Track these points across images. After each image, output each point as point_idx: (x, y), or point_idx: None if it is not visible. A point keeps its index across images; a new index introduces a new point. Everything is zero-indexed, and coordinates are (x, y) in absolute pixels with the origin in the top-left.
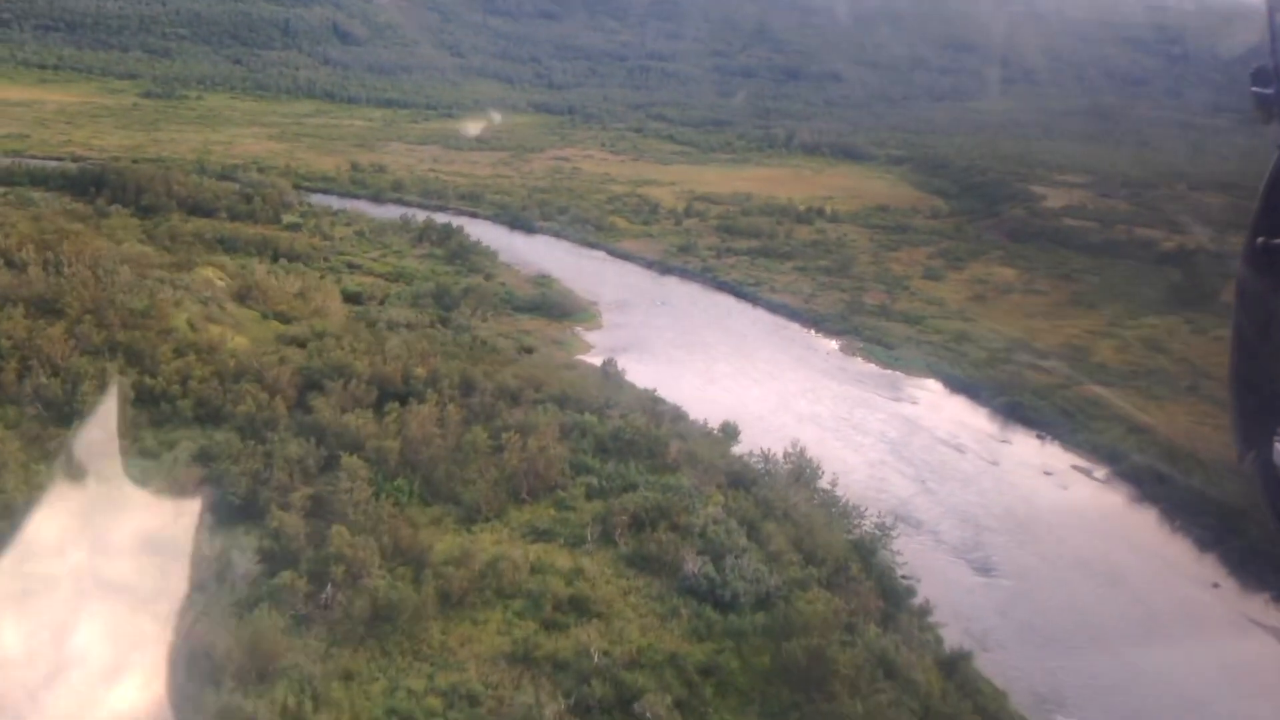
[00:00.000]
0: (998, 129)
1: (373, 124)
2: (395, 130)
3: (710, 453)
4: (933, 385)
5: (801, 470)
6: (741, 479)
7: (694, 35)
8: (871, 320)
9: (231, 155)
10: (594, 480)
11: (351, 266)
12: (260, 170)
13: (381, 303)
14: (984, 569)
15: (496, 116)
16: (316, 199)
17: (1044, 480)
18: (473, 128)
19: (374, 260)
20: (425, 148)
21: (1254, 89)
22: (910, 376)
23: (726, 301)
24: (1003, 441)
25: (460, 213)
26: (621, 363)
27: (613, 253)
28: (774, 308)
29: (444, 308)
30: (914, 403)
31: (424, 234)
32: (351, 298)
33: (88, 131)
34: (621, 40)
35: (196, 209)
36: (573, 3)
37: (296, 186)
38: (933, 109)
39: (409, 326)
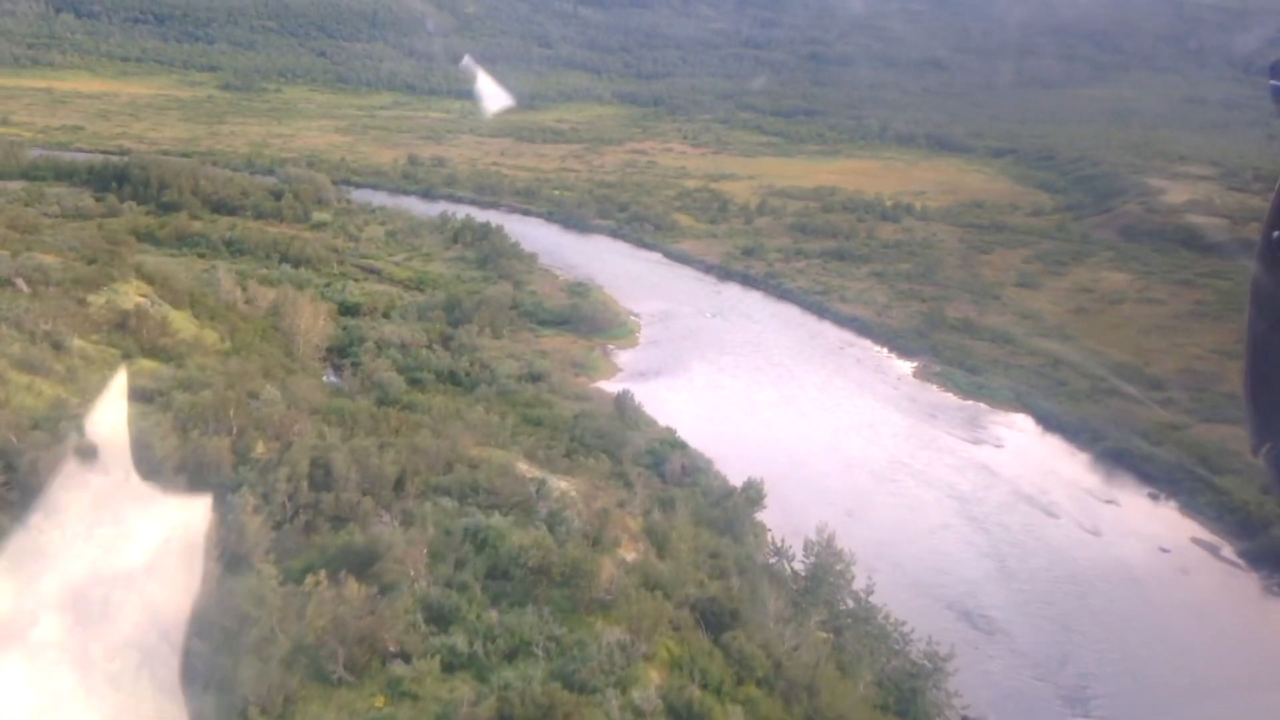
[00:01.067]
0: (1112, 117)
1: (449, 116)
2: (469, 122)
3: (692, 550)
4: (1021, 422)
5: (827, 571)
6: (716, 610)
7: (791, 23)
8: (954, 338)
9: (288, 149)
10: (462, 640)
11: (369, 271)
12: (310, 165)
13: (385, 315)
14: (1078, 701)
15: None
16: (363, 195)
17: (1158, 559)
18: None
19: (397, 264)
20: (496, 140)
21: (1273, 82)
22: (995, 410)
23: (788, 313)
24: (1106, 502)
25: (513, 210)
26: (649, 389)
27: (669, 255)
28: (842, 321)
29: (453, 322)
30: (997, 444)
31: (459, 234)
32: (350, 310)
33: (148, 124)
34: (715, 28)
35: (220, 206)
36: None
37: (345, 182)
38: (1041, 97)
39: (403, 347)
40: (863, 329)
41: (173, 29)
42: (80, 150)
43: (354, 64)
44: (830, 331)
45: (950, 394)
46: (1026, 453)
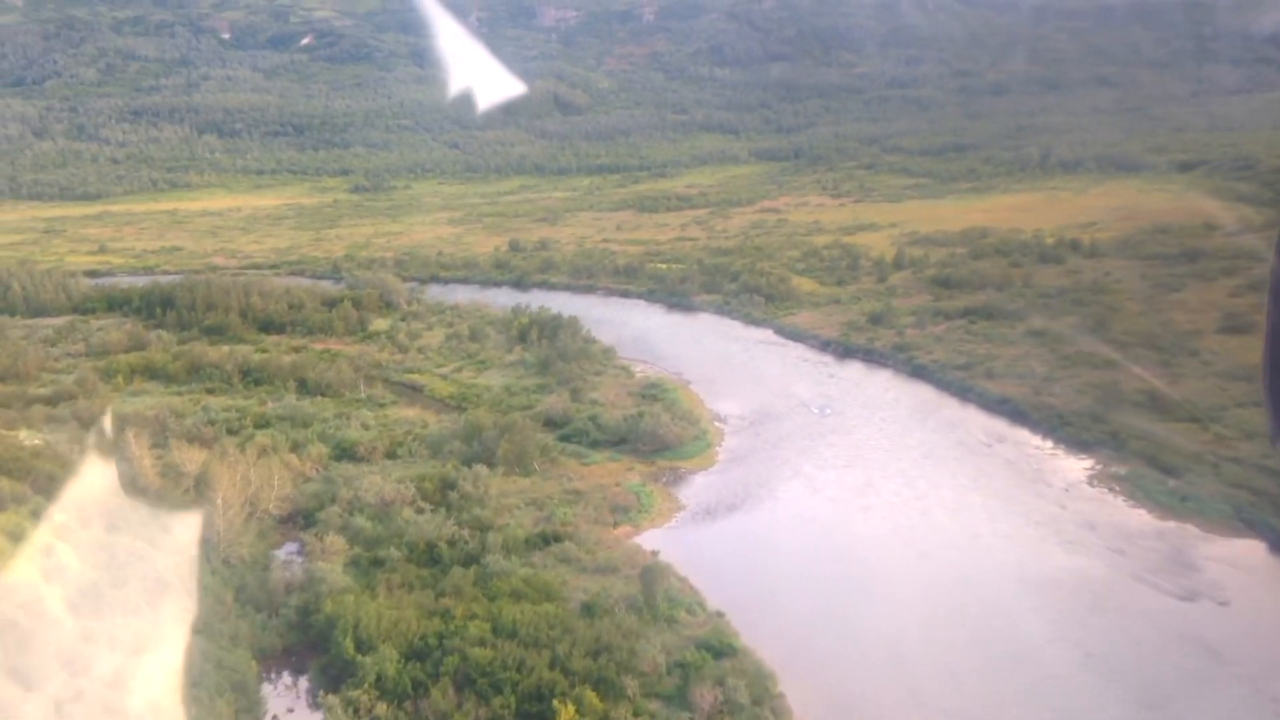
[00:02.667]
0: None
1: (573, 194)
2: (592, 199)
3: None
4: (1248, 554)
5: None
6: None
7: (938, 58)
8: (1140, 420)
9: (389, 248)
10: None
11: (411, 389)
12: (400, 264)
13: (390, 454)
14: None
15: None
16: (448, 291)
17: None
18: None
19: (444, 377)
20: (617, 214)
21: None
22: (1208, 534)
23: (920, 396)
24: None
25: (610, 293)
26: (709, 539)
27: (781, 331)
28: (989, 404)
29: (469, 459)
30: (1216, 598)
31: (525, 332)
32: (347, 451)
33: (254, 237)
34: (858, 73)
35: (268, 325)
36: (806, 41)
37: (432, 279)
38: (1228, 104)
39: (382, 506)
40: (1016, 414)
41: (310, 138)
42: (165, 273)
43: (485, 151)
44: (974, 419)
45: (1141, 510)
46: (1264, 613)
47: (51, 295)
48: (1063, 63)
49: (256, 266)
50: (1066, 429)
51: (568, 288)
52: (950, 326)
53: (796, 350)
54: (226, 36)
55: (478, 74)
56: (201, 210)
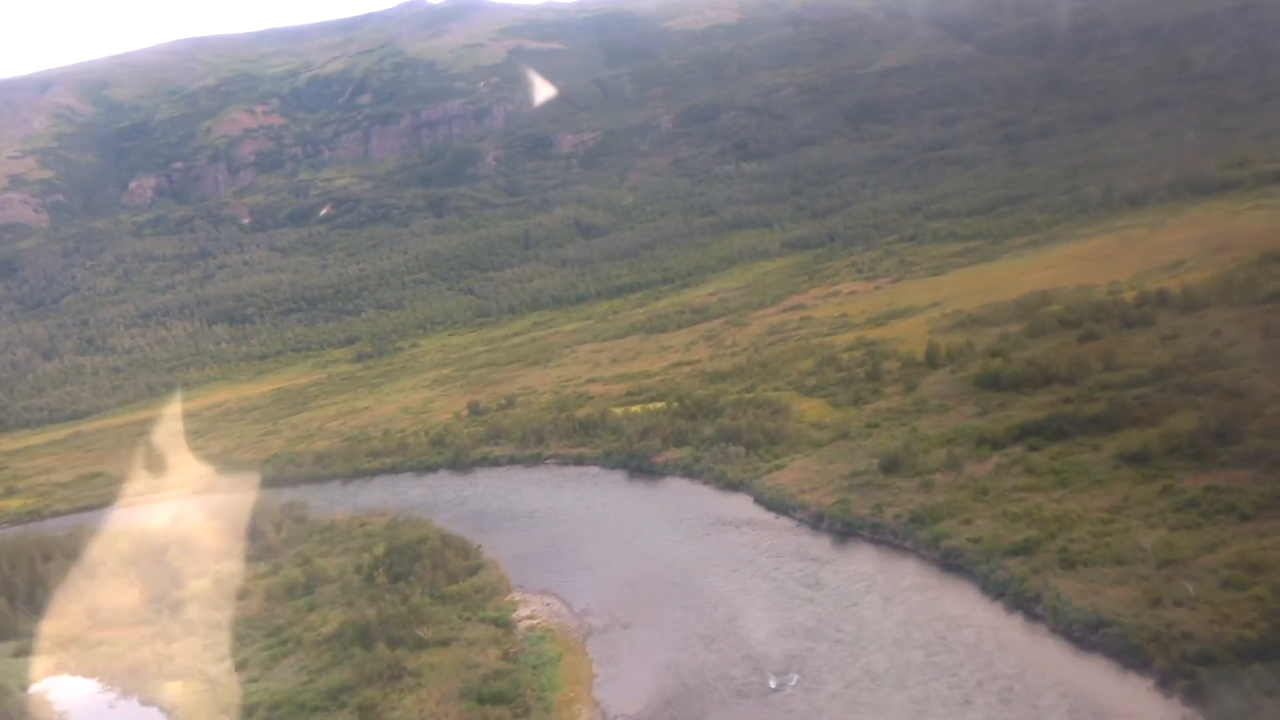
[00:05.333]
0: None
1: (586, 323)
2: (598, 328)
3: None
4: None
5: None
6: None
7: (975, 111)
8: None
9: (337, 432)
10: None
11: None
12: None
13: None
14: None
15: None
16: (365, 488)
17: None
18: None
19: (211, 680)
20: (621, 341)
21: None
22: None
23: (961, 607)
24: None
25: (563, 460)
26: None
27: (761, 499)
28: (1074, 629)
29: None
30: None
31: (372, 571)
32: None
33: (203, 440)
34: (893, 142)
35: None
36: (832, 122)
37: (356, 474)
38: None
39: None
40: (1124, 650)
41: (322, 310)
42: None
43: (501, 292)
44: (1057, 668)
45: None
46: None
47: None
48: (1111, 92)
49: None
50: (1216, 668)
51: (513, 460)
52: (1001, 462)
53: (775, 534)
54: (246, 222)
55: None
56: (182, 413)
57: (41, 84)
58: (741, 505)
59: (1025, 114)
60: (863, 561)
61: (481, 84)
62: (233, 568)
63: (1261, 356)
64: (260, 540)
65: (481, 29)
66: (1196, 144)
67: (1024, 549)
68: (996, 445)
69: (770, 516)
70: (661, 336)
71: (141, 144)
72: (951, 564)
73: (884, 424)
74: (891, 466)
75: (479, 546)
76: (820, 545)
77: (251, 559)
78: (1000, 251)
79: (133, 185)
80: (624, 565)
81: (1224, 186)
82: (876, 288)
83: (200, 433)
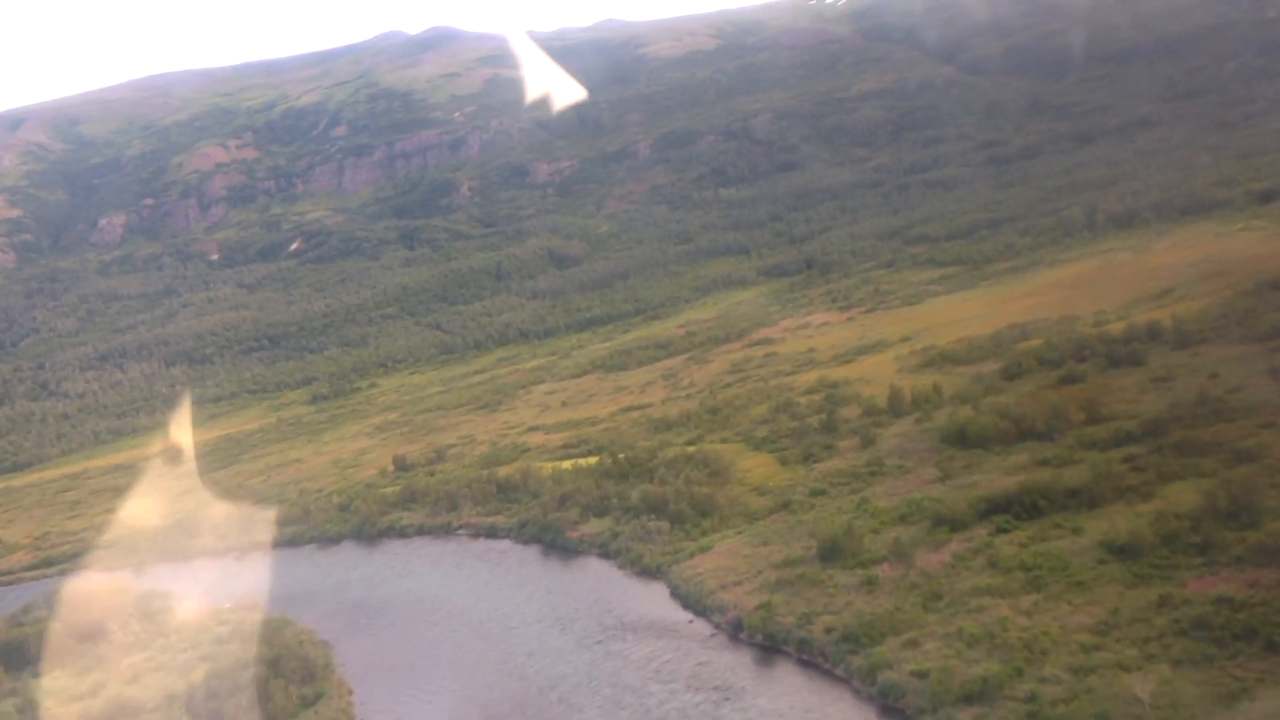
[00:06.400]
0: None
1: (551, 358)
2: (559, 365)
3: None
4: None
5: None
6: None
7: (956, 134)
8: None
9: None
10: None
11: None
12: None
13: None
14: None
15: None
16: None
17: None
18: None
19: None
20: (579, 380)
21: None
22: None
23: None
24: None
25: (475, 531)
26: None
27: (678, 592)
28: None
29: None
30: None
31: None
32: None
33: (82, 520)
34: (873, 165)
35: None
36: (812, 146)
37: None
38: None
39: None
40: None
41: (284, 348)
42: None
43: (469, 326)
44: None
45: None
46: None
47: None
48: (1093, 113)
49: (48, 562)
50: None
51: (422, 531)
52: (961, 550)
53: (683, 647)
54: (215, 258)
55: None
56: (116, 465)
57: (12, 121)
58: (655, 599)
59: (1007, 135)
60: (781, 694)
61: (457, 113)
62: (54, 684)
63: (1272, 406)
64: (103, 641)
65: (458, 58)
66: (1182, 163)
67: (981, 693)
68: (957, 526)
69: (684, 618)
70: (620, 375)
71: (113, 180)
72: (891, 707)
73: (832, 490)
74: (831, 554)
75: (328, 666)
76: (734, 665)
77: (83, 670)
78: (979, 279)
79: (103, 222)
80: (495, 687)
81: (1211, 206)
82: (849, 319)
83: (117, 491)
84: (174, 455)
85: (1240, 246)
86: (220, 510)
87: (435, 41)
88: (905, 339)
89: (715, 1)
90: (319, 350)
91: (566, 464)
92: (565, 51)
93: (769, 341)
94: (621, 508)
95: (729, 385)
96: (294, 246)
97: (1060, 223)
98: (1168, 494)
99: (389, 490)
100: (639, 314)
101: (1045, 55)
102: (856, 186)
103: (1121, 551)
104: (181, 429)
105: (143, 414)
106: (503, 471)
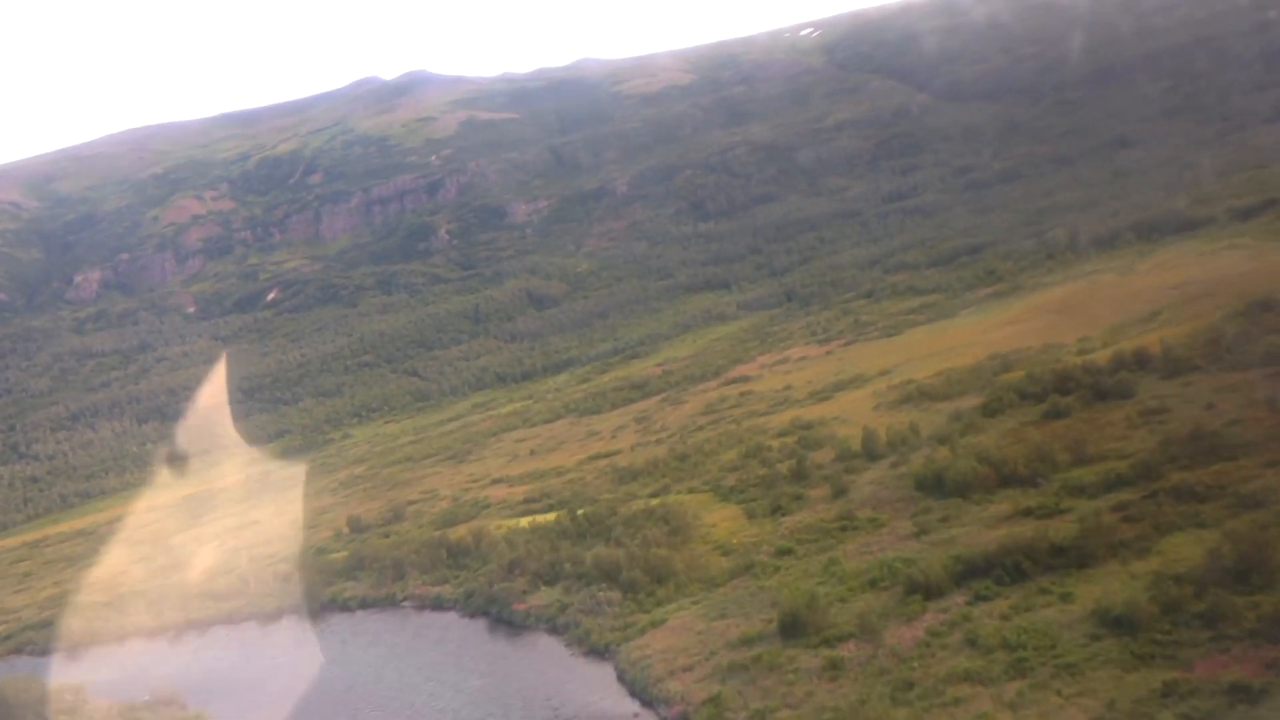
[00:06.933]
0: None
1: (522, 406)
2: (533, 410)
3: None
4: None
5: None
6: None
7: (933, 161)
8: None
9: (214, 555)
10: None
11: None
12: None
13: None
14: None
15: None
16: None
17: None
18: None
19: None
20: (550, 426)
21: None
22: None
23: None
24: None
25: (420, 602)
26: None
27: (625, 676)
28: None
29: None
30: None
31: None
32: None
33: (65, 574)
34: (852, 194)
35: None
36: (790, 178)
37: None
38: (1272, 133)
39: None
40: None
41: (258, 400)
42: None
43: (445, 371)
44: None
45: None
46: None
47: None
48: (1070, 134)
49: None
50: None
51: (365, 604)
52: (935, 624)
53: None
54: (191, 311)
55: None
56: (78, 531)
57: None
58: (600, 684)
59: (984, 160)
60: None
61: (434, 157)
62: None
63: (1277, 442)
64: None
65: (433, 102)
66: (1162, 182)
67: None
68: (931, 593)
69: (630, 709)
70: (593, 420)
71: (87, 236)
72: None
73: (799, 549)
74: (792, 629)
75: None
76: None
77: None
78: (961, 305)
79: (78, 279)
80: None
81: (1193, 225)
82: (828, 352)
83: (71, 560)
84: (131, 521)
85: (1223, 266)
86: (161, 584)
87: (410, 86)
88: (884, 373)
89: (691, 37)
90: (293, 401)
91: (525, 521)
92: (541, 92)
93: (745, 379)
94: (574, 574)
95: (701, 428)
96: (271, 296)
97: (1042, 245)
98: (1166, 549)
99: (338, 555)
100: (617, 354)
101: (1020, 79)
102: (835, 216)
103: (1117, 624)
104: (145, 491)
105: (111, 474)
106: (456, 533)
